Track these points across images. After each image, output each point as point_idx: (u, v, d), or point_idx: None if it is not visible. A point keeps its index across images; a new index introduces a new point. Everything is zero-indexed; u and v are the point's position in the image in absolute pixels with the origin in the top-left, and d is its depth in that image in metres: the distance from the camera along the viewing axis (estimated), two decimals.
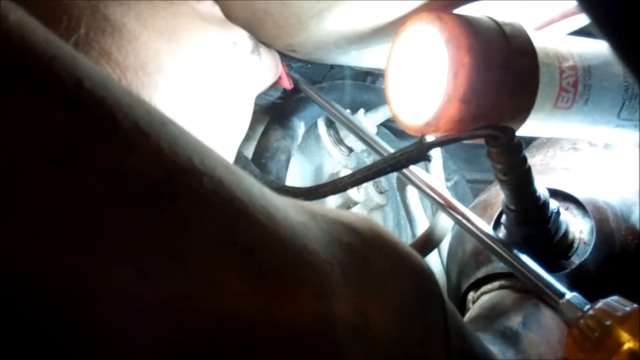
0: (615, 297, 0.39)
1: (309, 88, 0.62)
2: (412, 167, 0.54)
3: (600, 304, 0.39)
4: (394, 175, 0.72)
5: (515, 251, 0.45)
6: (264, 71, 0.51)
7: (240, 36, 0.47)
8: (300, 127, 0.67)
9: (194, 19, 0.43)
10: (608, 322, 0.37)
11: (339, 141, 0.72)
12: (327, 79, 0.75)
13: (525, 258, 0.44)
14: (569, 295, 0.41)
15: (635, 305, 0.38)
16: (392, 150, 0.54)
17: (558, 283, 0.42)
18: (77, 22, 0.34)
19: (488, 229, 0.48)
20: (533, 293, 0.47)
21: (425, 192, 0.53)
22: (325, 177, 0.74)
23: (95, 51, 0.35)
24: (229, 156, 0.48)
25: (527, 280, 0.44)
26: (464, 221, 0.49)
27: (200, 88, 0.42)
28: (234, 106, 0.46)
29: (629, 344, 0.36)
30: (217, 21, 0.46)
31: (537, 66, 0.44)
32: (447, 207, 0.51)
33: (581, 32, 0.53)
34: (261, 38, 0.53)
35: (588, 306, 0.39)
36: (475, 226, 0.48)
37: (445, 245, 0.63)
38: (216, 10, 0.47)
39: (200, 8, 0.45)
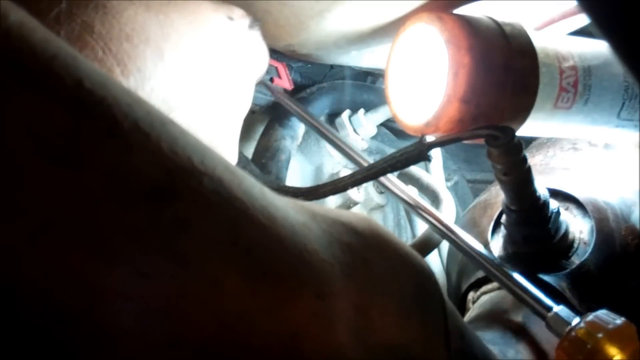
0: (604, 311, 0.39)
1: (288, 100, 0.62)
2: (395, 180, 0.53)
3: (589, 317, 0.38)
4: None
5: (501, 265, 0.45)
6: (265, 47, 0.50)
7: (236, 12, 0.46)
8: (300, 127, 0.67)
9: None
10: (595, 339, 0.37)
11: None
12: (327, 79, 0.75)
13: (514, 274, 0.44)
14: (557, 308, 0.41)
15: (623, 319, 0.38)
16: (371, 161, 0.54)
17: (545, 297, 0.42)
18: None
19: (476, 244, 0.47)
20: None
21: (411, 207, 0.52)
22: (325, 177, 0.74)
23: (78, 25, 0.34)
24: (233, 132, 0.47)
25: (515, 295, 0.44)
26: (450, 234, 0.48)
27: (195, 63, 0.41)
28: (234, 80, 0.46)
29: (617, 357, 0.36)
30: None
31: (537, 66, 0.44)
32: (429, 217, 0.50)
33: (581, 32, 0.53)
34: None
35: (577, 319, 0.39)
36: (465, 243, 0.47)
37: (445, 245, 0.63)
38: None
39: None
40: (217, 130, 0.44)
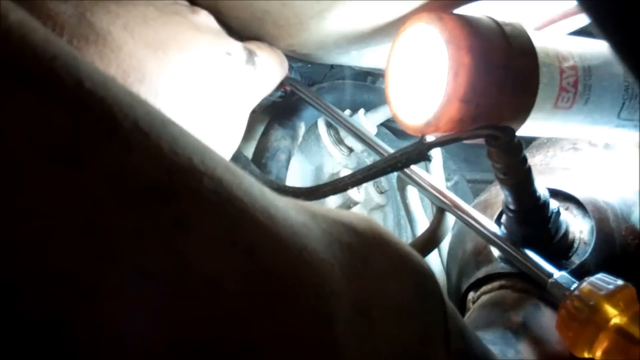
0: (602, 274, 0.40)
1: (306, 91, 0.62)
2: (412, 167, 0.54)
3: (587, 281, 0.40)
4: (394, 175, 0.72)
5: (508, 239, 0.47)
6: (261, 80, 0.51)
7: (234, 47, 0.47)
8: (300, 127, 0.67)
9: (186, 30, 0.42)
10: (595, 299, 0.38)
11: (339, 141, 0.72)
12: (327, 79, 0.75)
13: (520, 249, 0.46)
14: (557, 275, 0.42)
15: (621, 282, 0.39)
16: (391, 150, 0.54)
17: (546, 263, 0.44)
18: (60, 29, 0.34)
19: (489, 223, 0.49)
20: (533, 286, 0.48)
21: (426, 191, 0.53)
22: (325, 177, 0.74)
23: None
24: None
25: (516, 261, 0.46)
26: (467, 218, 0.49)
27: (190, 98, 0.42)
28: (226, 117, 0.46)
29: (615, 320, 0.37)
30: (212, 32, 0.46)
31: (537, 66, 0.44)
32: (450, 205, 0.51)
33: (581, 32, 0.53)
34: (261, 38, 0.52)
35: (576, 284, 0.40)
36: (477, 221, 0.49)
37: (445, 245, 0.63)
38: (211, 21, 0.47)
39: (195, 19, 0.45)
40: None
